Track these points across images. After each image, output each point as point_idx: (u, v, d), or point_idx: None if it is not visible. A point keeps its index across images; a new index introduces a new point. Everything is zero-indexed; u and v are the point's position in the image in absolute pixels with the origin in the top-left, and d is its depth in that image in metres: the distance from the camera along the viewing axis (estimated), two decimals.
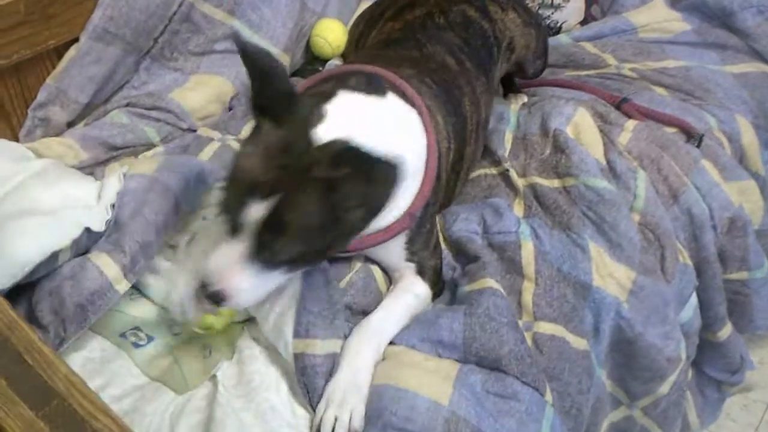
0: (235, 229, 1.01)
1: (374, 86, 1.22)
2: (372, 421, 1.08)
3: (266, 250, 1.01)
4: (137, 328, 1.22)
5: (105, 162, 1.54)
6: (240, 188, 1.00)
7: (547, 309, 1.33)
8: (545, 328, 1.30)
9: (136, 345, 1.20)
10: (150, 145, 1.61)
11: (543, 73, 1.96)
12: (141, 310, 1.26)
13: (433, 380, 1.14)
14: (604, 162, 1.58)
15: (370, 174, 0.98)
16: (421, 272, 1.32)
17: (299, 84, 1.42)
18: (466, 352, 1.19)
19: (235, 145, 1.56)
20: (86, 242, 1.20)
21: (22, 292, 1.15)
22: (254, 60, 1.01)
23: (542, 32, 1.88)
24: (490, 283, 1.30)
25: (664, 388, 1.45)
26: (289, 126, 1.03)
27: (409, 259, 1.31)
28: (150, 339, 1.21)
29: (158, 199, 1.25)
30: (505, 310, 1.25)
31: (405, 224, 1.24)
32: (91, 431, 0.75)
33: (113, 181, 1.28)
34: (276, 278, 1.07)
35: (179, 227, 1.31)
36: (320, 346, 1.15)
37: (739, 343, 1.72)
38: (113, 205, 1.24)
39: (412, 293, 1.29)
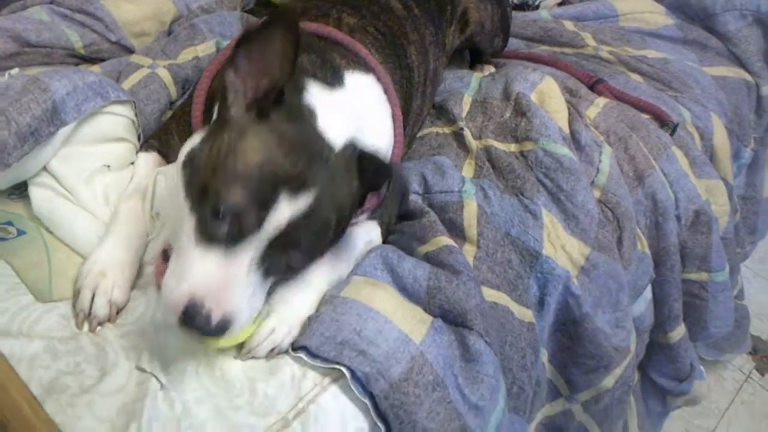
0: (237, 233, 0.85)
1: (333, 75, 1.11)
2: (327, 335, 0.95)
3: (279, 256, 0.88)
4: (8, 223, 1.05)
5: (15, 55, 1.35)
6: (264, 182, 0.85)
7: (488, 274, 1.18)
8: (488, 294, 1.14)
9: (2, 239, 1.01)
10: (69, 50, 1.43)
11: (514, 48, 1.83)
12: (17, 207, 1.08)
13: (408, 315, 1.02)
14: (567, 131, 1.45)
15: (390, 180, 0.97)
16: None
17: None
18: (430, 303, 1.07)
19: (164, 74, 1.37)
20: None
21: None
22: None
23: (501, 9, 1.76)
24: (446, 241, 1.16)
25: (608, 382, 1.31)
26: (291, 119, 0.93)
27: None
28: (21, 233, 1.03)
29: (31, 98, 1.05)
30: (467, 266, 1.12)
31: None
32: None
33: None
34: (265, 289, 0.92)
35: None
36: None
37: (690, 349, 1.59)
38: None
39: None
